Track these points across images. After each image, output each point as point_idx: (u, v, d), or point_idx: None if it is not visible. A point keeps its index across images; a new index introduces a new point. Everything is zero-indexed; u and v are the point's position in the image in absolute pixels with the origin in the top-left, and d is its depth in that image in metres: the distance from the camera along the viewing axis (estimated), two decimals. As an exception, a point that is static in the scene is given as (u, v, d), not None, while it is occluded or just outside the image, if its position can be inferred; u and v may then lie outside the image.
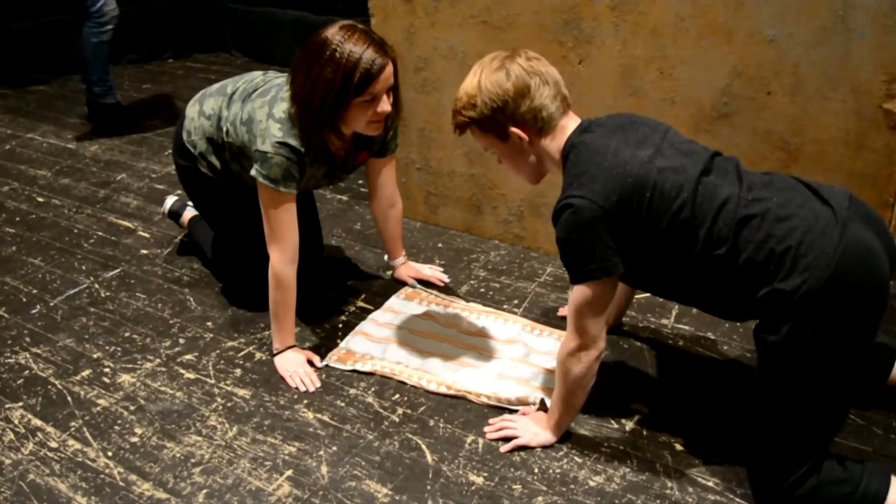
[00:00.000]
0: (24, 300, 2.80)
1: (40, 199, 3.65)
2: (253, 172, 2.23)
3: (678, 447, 2.08)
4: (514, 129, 1.89)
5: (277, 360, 2.40)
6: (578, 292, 1.85)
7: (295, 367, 2.36)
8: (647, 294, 2.75)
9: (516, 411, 2.20)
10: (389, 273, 2.93)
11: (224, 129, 2.40)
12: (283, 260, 2.28)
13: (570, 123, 1.93)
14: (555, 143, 1.92)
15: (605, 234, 1.77)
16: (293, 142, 2.19)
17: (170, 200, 3.19)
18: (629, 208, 1.75)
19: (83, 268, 3.02)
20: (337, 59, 2.06)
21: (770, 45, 2.31)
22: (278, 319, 2.36)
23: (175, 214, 3.15)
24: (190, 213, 3.09)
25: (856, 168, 2.32)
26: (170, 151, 4.22)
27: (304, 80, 2.13)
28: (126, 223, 3.40)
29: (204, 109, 2.48)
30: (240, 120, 2.33)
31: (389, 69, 2.12)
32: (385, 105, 2.16)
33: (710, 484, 1.96)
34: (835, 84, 2.26)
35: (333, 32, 2.10)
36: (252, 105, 2.30)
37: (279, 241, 2.27)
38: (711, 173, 1.80)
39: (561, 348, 1.95)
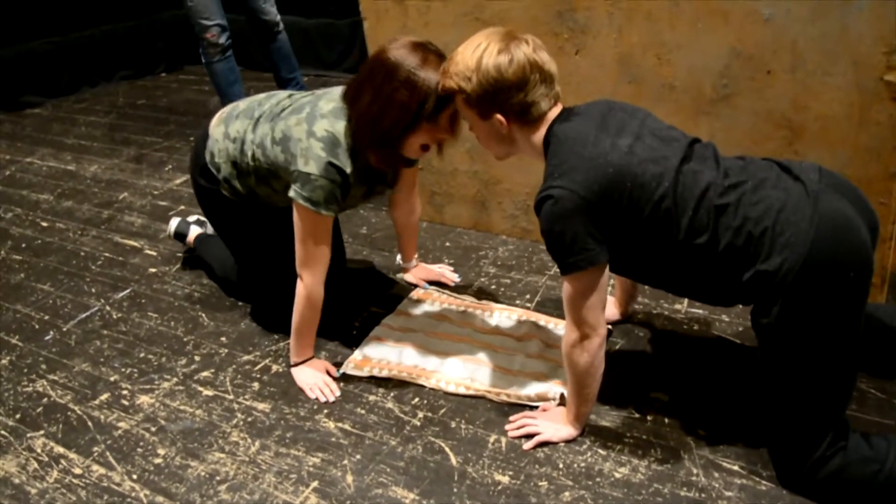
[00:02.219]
0: (37, 327, 2.80)
1: (44, 224, 3.65)
2: (292, 194, 2.18)
3: (701, 433, 2.08)
4: (497, 116, 1.88)
5: (295, 372, 2.39)
6: (568, 284, 1.86)
7: (314, 378, 2.36)
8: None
9: (537, 407, 2.20)
10: (400, 276, 2.92)
11: (249, 153, 2.33)
12: (315, 282, 2.26)
13: (553, 114, 1.92)
14: (536, 134, 1.92)
15: (588, 224, 1.78)
16: (338, 162, 2.14)
17: (174, 223, 3.16)
18: (610, 198, 1.76)
19: (93, 290, 3.02)
20: (412, 83, 2.02)
21: (767, 24, 2.30)
22: (301, 335, 2.35)
23: (181, 235, 3.12)
24: (195, 231, 3.07)
25: (860, 142, 2.31)
26: (170, 167, 4.22)
27: (372, 98, 2.08)
28: (132, 242, 3.40)
29: (229, 132, 2.41)
30: (271, 140, 2.26)
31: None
32: (446, 132, 2.14)
33: (736, 468, 1.96)
34: (835, 59, 2.25)
35: (405, 54, 2.04)
36: (286, 123, 2.24)
37: (314, 263, 2.24)
38: (691, 160, 1.82)
39: (563, 341, 1.97)
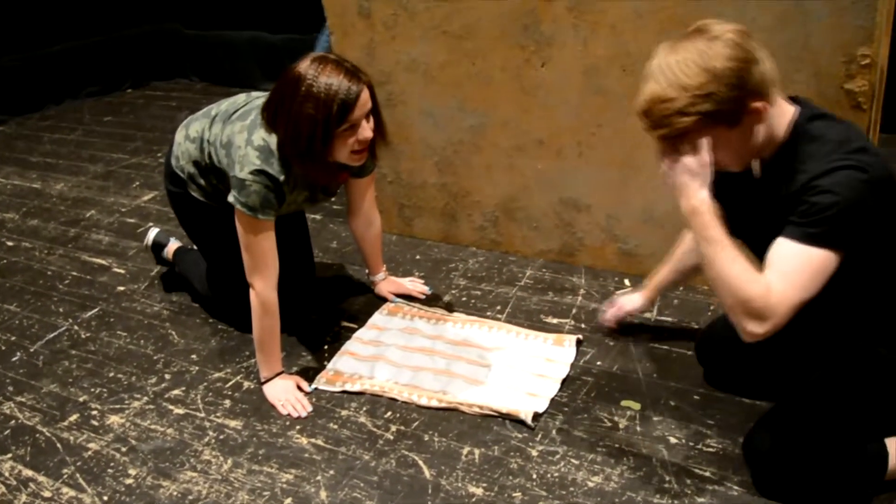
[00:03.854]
0: (3, 348, 2.76)
1: (10, 243, 3.60)
2: (230, 199, 2.21)
3: (672, 440, 2.09)
4: (755, 104, 1.61)
5: (266, 389, 2.38)
6: (818, 256, 1.59)
7: (285, 393, 2.35)
8: (628, 289, 2.77)
9: (519, 420, 2.20)
10: (370, 289, 2.92)
11: (206, 152, 2.38)
12: (266, 287, 2.26)
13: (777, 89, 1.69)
14: (780, 112, 1.69)
15: (872, 210, 1.59)
16: (272, 170, 2.17)
17: (153, 232, 3.13)
18: (889, 193, 1.61)
19: (60, 310, 2.99)
20: (315, 94, 2.05)
21: (729, 35, 2.32)
22: (265, 347, 2.35)
23: (159, 246, 3.09)
24: (174, 244, 3.06)
25: (823, 149, 2.35)
26: (138, 184, 4.19)
27: (286, 119, 2.11)
28: (100, 261, 3.37)
29: (189, 133, 2.46)
30: (220, 142, 2.31)
31: (365, 94, 2.11)
32: (366, 131, 2.14)
33: (707, 474, 1.97)
34: (798, 67, 2.29)
35: (306, 67, 2.08)
36: (232, 128, 2.28)
37: (261, 269, 2.25)
38: None
39: (749, 300, 1.60)
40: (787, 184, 1.64)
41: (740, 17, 2.29)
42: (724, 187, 1.76)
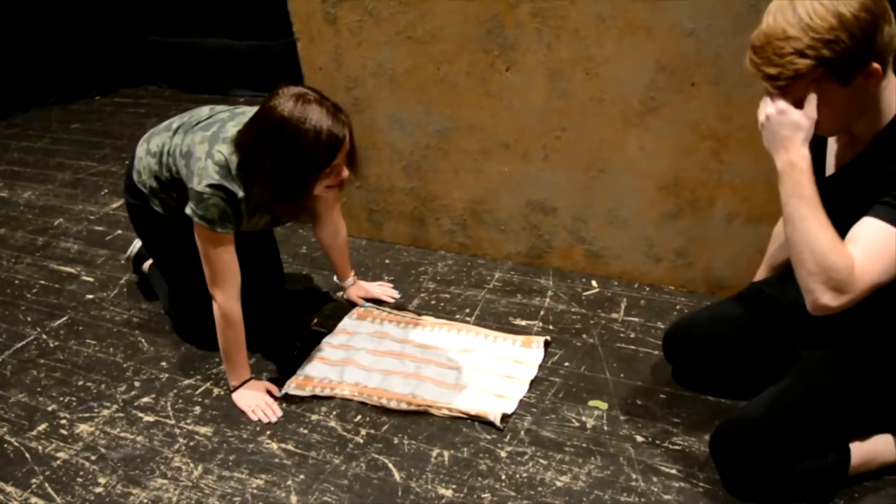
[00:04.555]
0: (-29, 358, 2.75)
1: (-23, 253, 3.58)
2: (188, 211, 2.19)
3: (639, 439, 2.12)
4: (874, 65, 1.50)
5: (236, 396, 2.38)
6: None
7: (255, 400, 2.35)
8: (595, 290, 2.80)
9: (488, 422, 2.22)
10: (340, 294, 2.93)
11: (165, 164, 2.34)
12: (228, 299, 2.26)
13: None
14: (891, 87, 1.60)
15: None
16: (230, 186, 2.15)
17: (137, 244, 3.09)
18: None
19: (28, 319, 2.97)
20: (303, 143, 2.01)
21: (690, 38, 2.36)
22: (231, 357, 2.35)
23: (141, 258, 3.06)
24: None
25: (783, 150, 2.38)
26: (106, 191, 4.17)
27: (269, 164, 2.06)
28: (68, 269, 3.35)
29: (150, 147, 2.42)
30: (179, 152, 2.28)
31: (348, 138, 2.09)
32: (344, 172, 2.15)
33: (674, 471, 2.01)
34: (755, 71, 2.32)
35: (290, 109, 2.02)
36: (193, 138, 2.25)
37: (222, 281, 2.25)
38: None
39: (835, 262, 1.56)
40: (887, 163, 1.58)
41: (697, 20, 2.33)
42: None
